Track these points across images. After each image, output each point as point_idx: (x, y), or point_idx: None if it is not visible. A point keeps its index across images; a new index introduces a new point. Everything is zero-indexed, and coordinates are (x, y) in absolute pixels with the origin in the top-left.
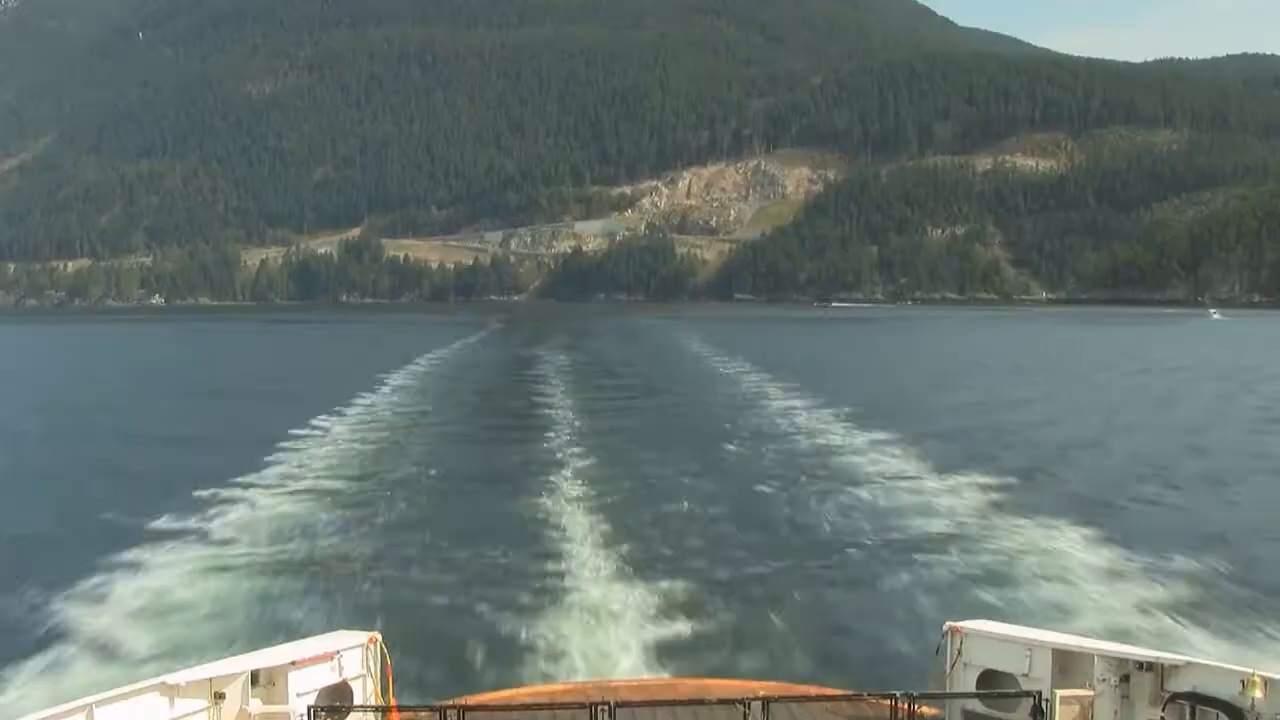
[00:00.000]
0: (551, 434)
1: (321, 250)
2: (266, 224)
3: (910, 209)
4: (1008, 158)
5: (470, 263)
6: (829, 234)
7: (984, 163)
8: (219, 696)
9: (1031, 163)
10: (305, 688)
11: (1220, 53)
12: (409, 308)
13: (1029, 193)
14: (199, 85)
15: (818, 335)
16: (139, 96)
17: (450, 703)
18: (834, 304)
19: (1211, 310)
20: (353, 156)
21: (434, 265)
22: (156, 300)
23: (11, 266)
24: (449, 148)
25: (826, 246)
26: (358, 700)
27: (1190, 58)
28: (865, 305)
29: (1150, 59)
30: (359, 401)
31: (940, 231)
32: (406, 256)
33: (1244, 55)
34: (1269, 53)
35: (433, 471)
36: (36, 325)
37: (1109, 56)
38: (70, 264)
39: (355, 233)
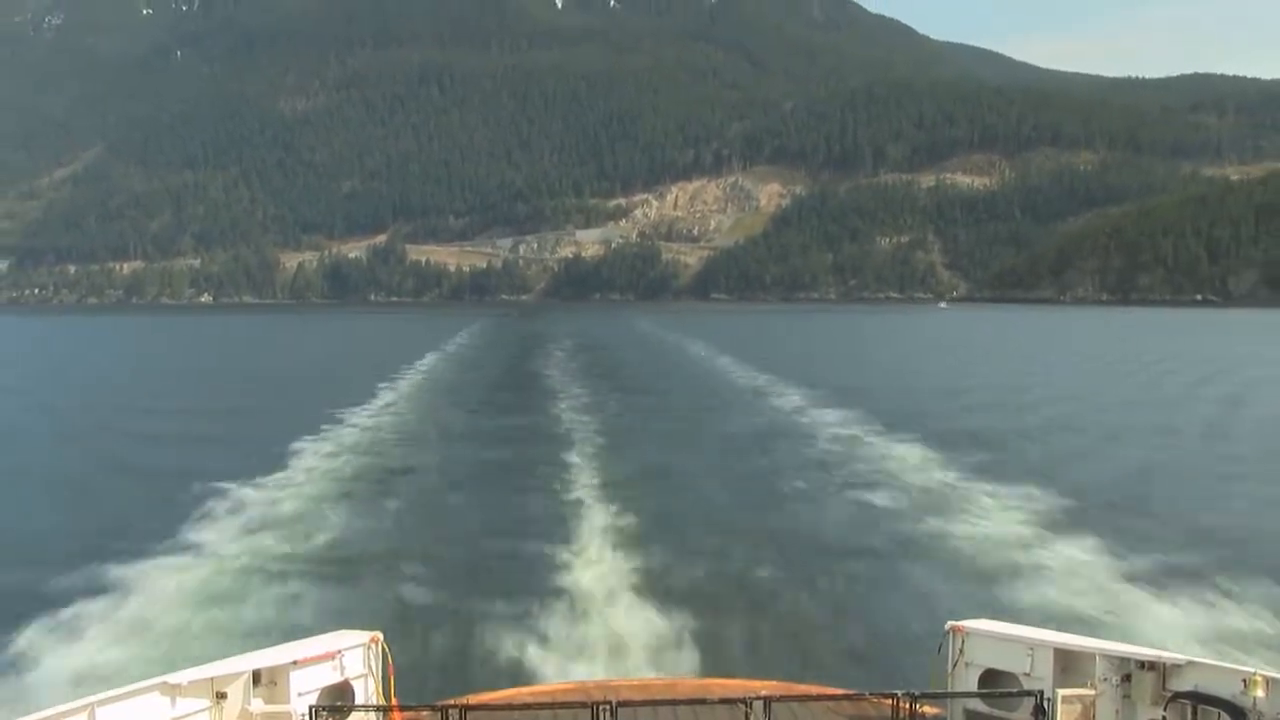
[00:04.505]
0: (550, 426)
1: (351, 254)
2: (301, 230)
3: (862, 220)
4: (949, 176)
5: (484, 266)
6: (792, 242)
7: (928, 180)
8: (221, 696)
9: (969, 180)
10: (307, 687)
11: (1174, 72)
12: (431, 306)
13: (964, 206)
14: (236, 102)
15: (716, 320)
16: (179, 112)
17: (452, 702)
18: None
19: (941, 303)
20: (379, 170)
21: (452, 268)
22: (205, 299)
23: (72, 268)
24: (464, 163)
25: (790, 253)
26: (359, 700)
27: (1146, 76)
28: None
29: (1117, 75)
30: (396, 379)
31: (887, 240)
32: (427, 260)
33: (1195, 75)
34: (1219, 72)
35: (436, 469)
36: (117, 318)
37: (1081, 70)
38: (125, 266)
39: (381, 239)
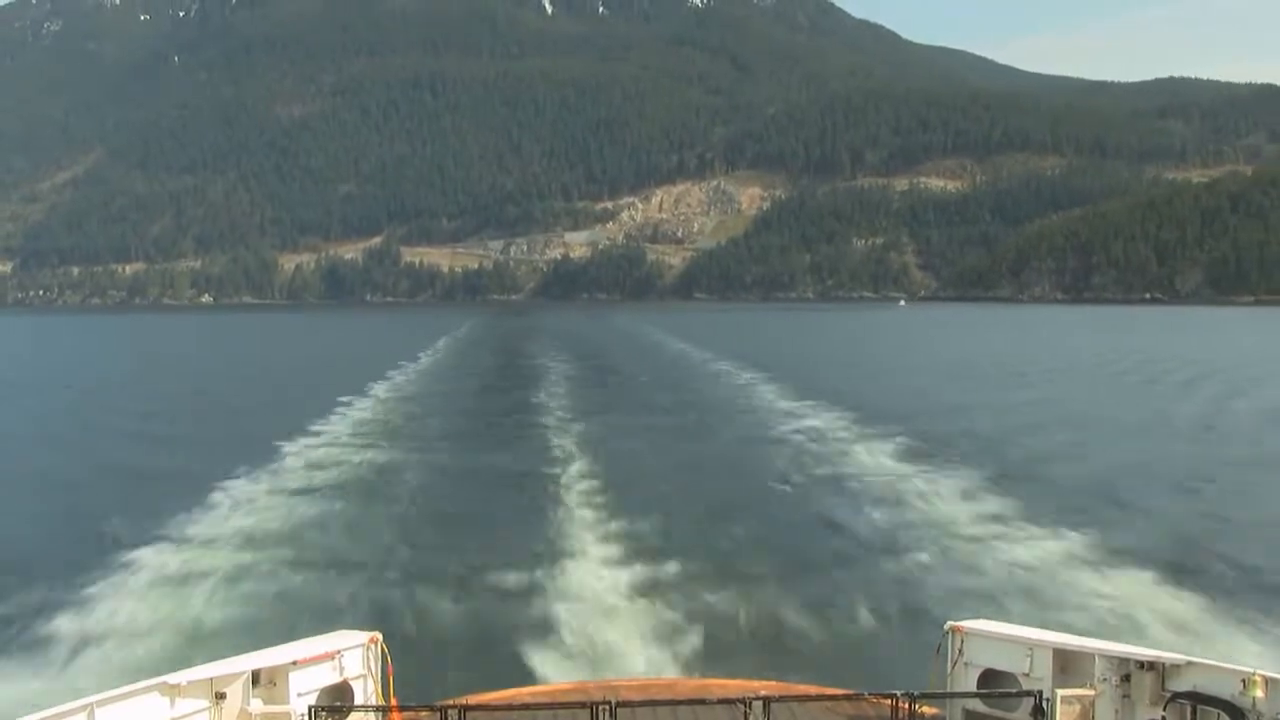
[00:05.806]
0: (545, 423)
1: (348, 256)
2: (299, 233)
3: (839, 222)
4: (923, 180)
5: (476, 267)
6: (772, 243)
7: (902, 184)
8: (220, 696)
9: (941, 184)
10: (306, 687)
11: (1160, 74)
12: (425, 305)
13: (937, 209)
14: (233, 107)
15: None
16: (178, 116)
17: (451, 702)
18: None
19: (900, 300)
20: (374, 174)
21: (445, 269)
22: (206, 299)
23: (75, 270)
24: (457, 167)
25: (770, 254)
26: (359, 700)
27: (1126, 80)
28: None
29: (1101, 78)
30: (386, 379)
31: (863, 242)
32: (421, 261)
33: (1169, 79)
34: (1193, 76)
35: (434, 469)
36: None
37: (1064, 73)
38: (127, 267)
39: (377, 240)
